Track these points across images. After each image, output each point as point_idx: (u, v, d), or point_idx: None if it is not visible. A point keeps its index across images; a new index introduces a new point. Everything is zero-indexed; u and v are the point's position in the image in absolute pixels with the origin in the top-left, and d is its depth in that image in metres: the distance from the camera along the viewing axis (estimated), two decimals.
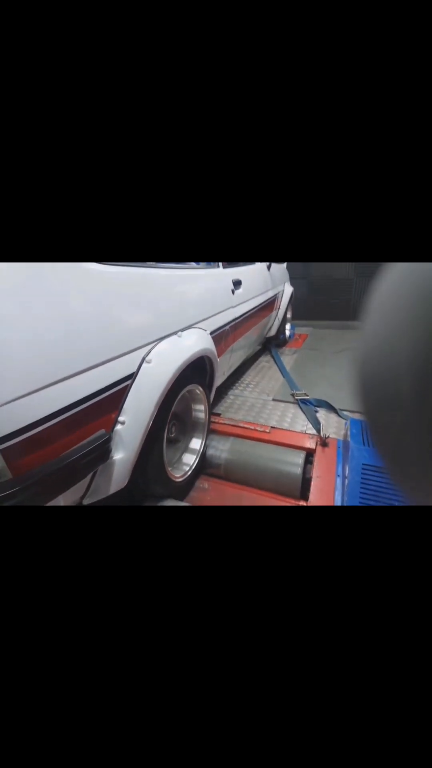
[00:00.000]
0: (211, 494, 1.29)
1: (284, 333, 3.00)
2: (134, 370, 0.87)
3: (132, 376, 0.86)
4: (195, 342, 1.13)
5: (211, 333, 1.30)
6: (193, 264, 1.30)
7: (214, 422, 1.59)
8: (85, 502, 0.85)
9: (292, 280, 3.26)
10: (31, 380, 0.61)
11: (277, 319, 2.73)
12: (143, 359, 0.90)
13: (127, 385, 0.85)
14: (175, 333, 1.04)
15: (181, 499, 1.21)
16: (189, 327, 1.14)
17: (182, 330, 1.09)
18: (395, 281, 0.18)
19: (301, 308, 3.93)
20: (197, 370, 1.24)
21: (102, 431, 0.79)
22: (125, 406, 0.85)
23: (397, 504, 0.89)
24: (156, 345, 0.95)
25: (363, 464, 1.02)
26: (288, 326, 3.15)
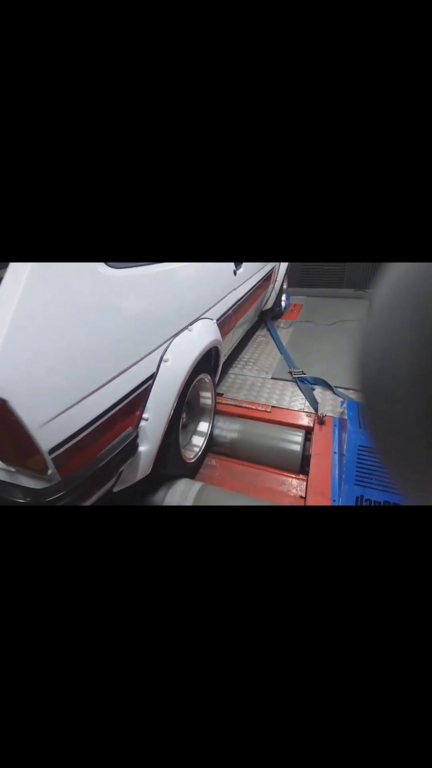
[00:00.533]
0: (219, 471, 1.41)
1: (280, 305, 3.01)
2: (154, 370, 0.92)
3: (153, 376, 0.92)
4: (205, 334, 1.18)
5: (216, 320, 1.33)
6: None
7: (218, 403, 1.67)
8: (115, 489, 0.94)
9: None
10: (74, 393, 0.67)
11: (274, 291, 2.73)
12: (161, 359, 0.95)
13: (149, 384, 0.91)
14: (186, 328, 1.08)
15: (193, 478, 1.33)
16: (198, 319, 1.17)
17: (192, 323, 1.13)
18: (398, 279, 0.18)
19: (295, 275, 3.89)
20: (206, 359, 1.29)
21: (129, 429, 0.87)
22: (148, 404, 0.92)
23: (390, 482, 1.02)
24: (170, 342, 0.99)
25: (359, 445, 1.14)
26: (284, 297, 3.15)
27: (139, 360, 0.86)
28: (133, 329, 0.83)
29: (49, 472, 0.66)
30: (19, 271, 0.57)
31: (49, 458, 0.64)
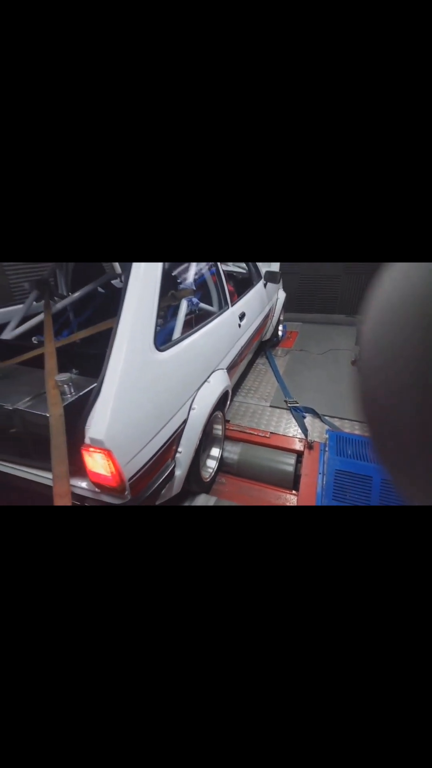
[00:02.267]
0: (228, 487, 1.76)
1: (277, 335, 3.39)
2: (186, 416, 1.29)
3: (185, 421, 1.28)
4: (219, 382, 1.54)
5: (227, 368, 1.70)
6: (213, 308, 1.68)
7: (227, 429, 2.03)
8: (157, 503, 1.30)
9: (284, 275, 3.48)
10: (144, 440, 1.03)
11: (271, 325, 3.11)
12: (190, 407, 1.31)
13: (183, 427, 1.27)
14: (206, 380, 1.45)
15: (208, 493, 1.68)
16: (214, 371, 1.54)
17: (209, 376, 1.49)
18: (396, 283, 0.17)
19: (291, 302, 4.27)
20: (220, 400, 1.66)
21: (169, 461, 1.22)
22: (181, 441, 1.28)
23: (361, 502, 1.38)
24: (196, 394, 1.36)
25: (336, 470, 1.50)
26: (281, 327, 3.54)
27: (178, 411, 1.22)
28: (176, 390, 1.20)
29: (126, 492, 1.02)
30: (113, 374, 0.94)
31: (128, 484, 1.00)
